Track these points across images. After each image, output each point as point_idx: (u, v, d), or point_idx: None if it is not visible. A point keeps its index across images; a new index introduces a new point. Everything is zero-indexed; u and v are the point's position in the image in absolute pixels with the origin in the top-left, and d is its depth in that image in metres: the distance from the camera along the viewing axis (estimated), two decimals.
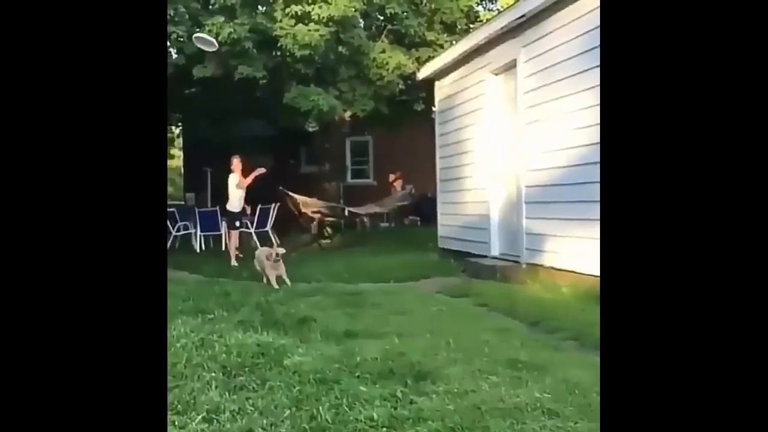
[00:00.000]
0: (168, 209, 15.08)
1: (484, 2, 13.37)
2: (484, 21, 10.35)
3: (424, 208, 13.39)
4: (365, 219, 13.08)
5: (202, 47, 9.89)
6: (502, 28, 7.35)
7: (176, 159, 37.82)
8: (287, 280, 7.23)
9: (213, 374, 3.63)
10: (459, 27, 12.05)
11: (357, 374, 3.56)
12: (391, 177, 17.04)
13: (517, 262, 7.08)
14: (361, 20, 11.73)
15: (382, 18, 12.49)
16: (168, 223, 13.17)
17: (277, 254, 7.35)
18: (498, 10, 11.63)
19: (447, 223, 9.37)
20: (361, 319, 5.11)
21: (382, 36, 12.25)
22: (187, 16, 10.40)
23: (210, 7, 11.01)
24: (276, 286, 7.01)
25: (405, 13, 11.76)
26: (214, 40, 9.76)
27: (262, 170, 9.42)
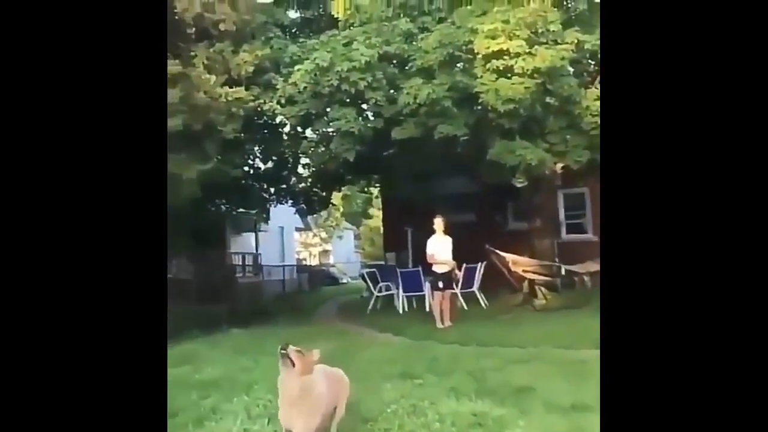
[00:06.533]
0: (369, 269, 15.69)
1: None
2: None
3: None
4: (585, 278, 12.26)
5: None
6: None
7: (375, 219, 39.51)
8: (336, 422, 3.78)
9: None
10: None
11: None
12: None
13: None
14: (570, 68, 11.41)
15: (593, 63, 12.11)
16: (369, 283, 13.67)
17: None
18: None
19: None
20: (588, 390, 4.73)
21: (596, 82, 11.85)
22: (384, 81, 10.83)
23: (406, 69, 11.36)
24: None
25: None
26: None
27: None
